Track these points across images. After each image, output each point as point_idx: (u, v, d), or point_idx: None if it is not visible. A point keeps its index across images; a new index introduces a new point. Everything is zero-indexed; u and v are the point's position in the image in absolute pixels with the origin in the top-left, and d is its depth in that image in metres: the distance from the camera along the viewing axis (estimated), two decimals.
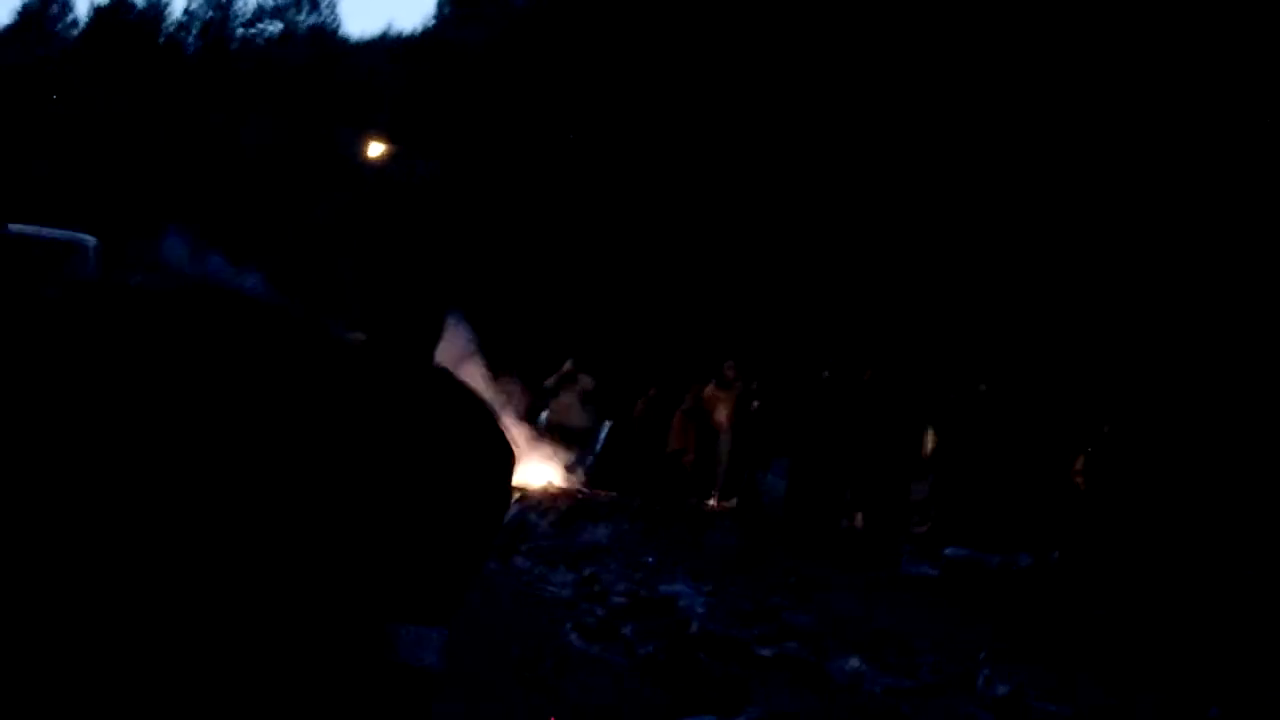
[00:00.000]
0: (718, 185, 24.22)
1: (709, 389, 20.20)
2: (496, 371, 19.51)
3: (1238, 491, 16.11)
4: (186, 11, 50.88)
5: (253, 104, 35.44)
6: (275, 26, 49.27)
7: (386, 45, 48.19)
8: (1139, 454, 16.12)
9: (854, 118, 22.95)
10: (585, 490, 18.65)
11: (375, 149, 28.85)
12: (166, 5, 51.09)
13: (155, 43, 47.90)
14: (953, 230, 21.31)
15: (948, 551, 16.14)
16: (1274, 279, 17.90)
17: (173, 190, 31.38)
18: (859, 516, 18.08)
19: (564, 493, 17.14)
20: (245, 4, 50.16)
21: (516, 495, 15.95)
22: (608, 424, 21.23)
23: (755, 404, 19.79)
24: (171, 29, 50.66)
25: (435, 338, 4.03)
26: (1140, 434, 16.50)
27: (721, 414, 20.07)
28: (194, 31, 49.99)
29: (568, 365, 20.81)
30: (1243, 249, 18.39)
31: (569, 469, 19.82)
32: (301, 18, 49.07)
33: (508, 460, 3.85)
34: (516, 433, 18.48)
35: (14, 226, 15.96)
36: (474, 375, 17.88)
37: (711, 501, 19.35)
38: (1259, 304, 17.99)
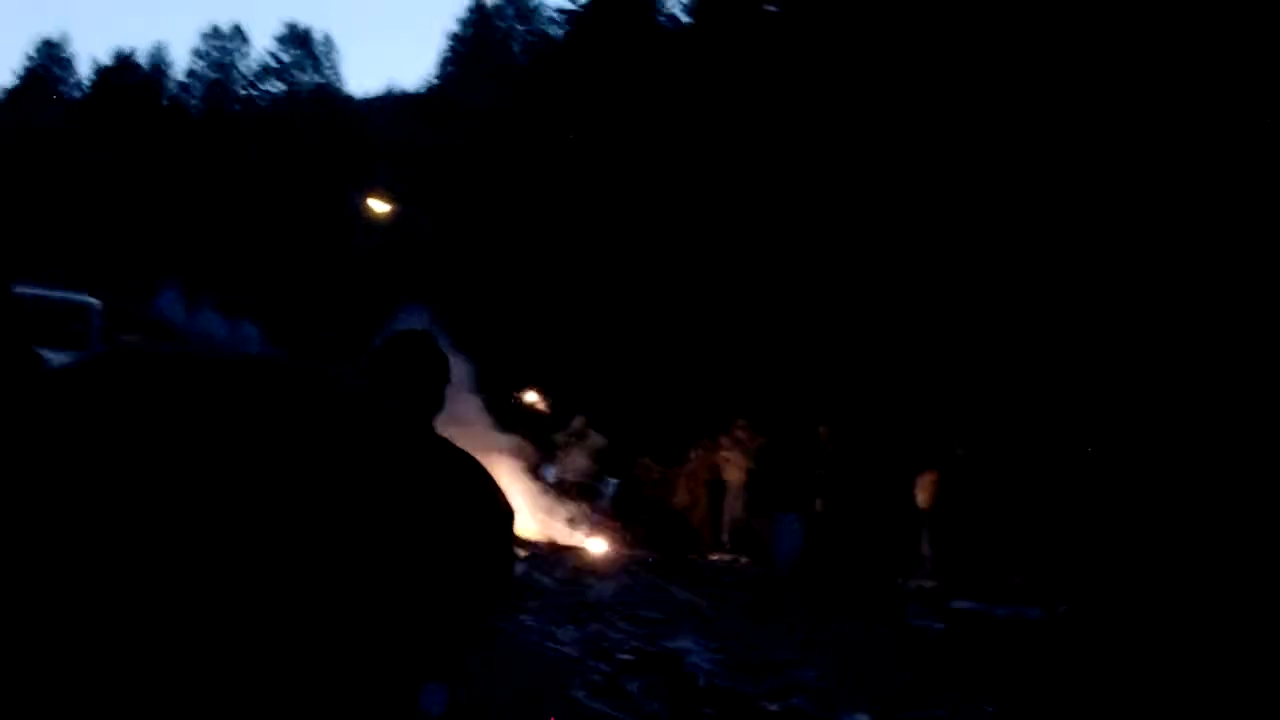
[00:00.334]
0: (725, 243, 24.28)
1: (721, 446, 20.27)
2: (505, 427, 19.54)
3: (1251, 543, 16.09)
4: (190, 72, 51.16)
5: (255, 162, 35.54)
6: (278, 86, 49.53)
7: (389, 103, 48.43)
8: (1147, 509, 16.06)
9: (851, 179, 23.03)
10: (593, 546, 18.62)
11: (378, 206, 28.88)
12: (170, 66, 51.39)
13: (159, 103, 48.11)
14: (954, 285, 21.31)
15: (954, 604, 16.08)
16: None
17: (172, 247, 31.43)
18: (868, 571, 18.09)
19: (571, 549, 17.09)
20: (248, 64, 50.46)
21: (523, 552, 15.93)
22: (615, 481, 21.22)
23: (766, 462, 19.92)
24: (175, 89, 50.94)
25: (437, 405, 4.11)
26: (1149, 488, 16.44)
27: (733, 471, 20.15)
28: (197, 93, 50.22)
29: (578, 422, 20.84)
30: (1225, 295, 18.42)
31: (576, 525, 19.80)
32: (305, 77, 49.32)
33: (505, 521, 4.04)
34: (523, 488, 18.50)
35: (19, 288, 16.01)
36: (480, 432, 17.91)
37: (718, 557, 19.33)
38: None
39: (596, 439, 20.77)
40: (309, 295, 26.53)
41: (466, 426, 18.14)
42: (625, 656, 10.81)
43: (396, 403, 4.04)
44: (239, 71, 50.76)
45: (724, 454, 20.26)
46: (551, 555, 16.31)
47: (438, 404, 4.15)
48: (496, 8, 52.76)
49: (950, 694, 11.04)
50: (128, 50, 51.19)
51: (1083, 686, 12.39)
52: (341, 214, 28.25)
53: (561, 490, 20.33)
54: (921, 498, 18.03)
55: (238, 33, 51.16)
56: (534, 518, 18.99)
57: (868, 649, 13.23)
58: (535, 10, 47.54)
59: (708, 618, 13.34)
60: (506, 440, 19.55)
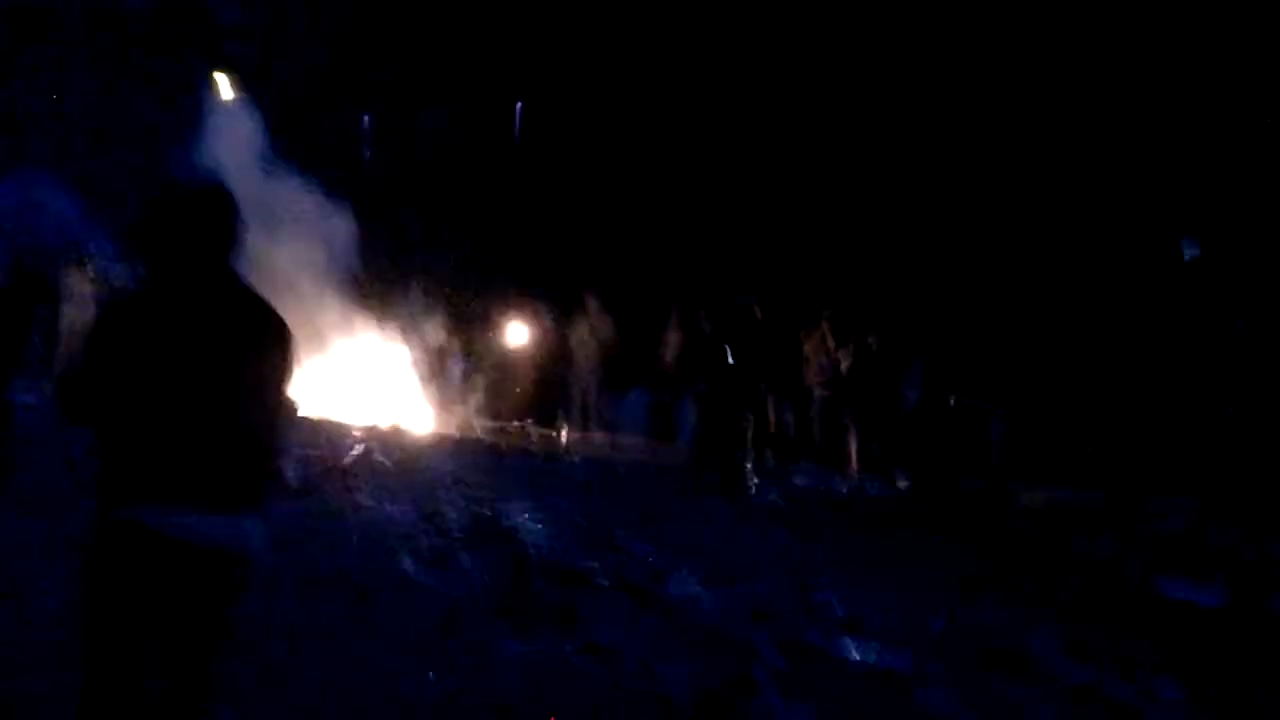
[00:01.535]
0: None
1: (580, 323, 20.29)
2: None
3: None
4: None
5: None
6: None
7: None
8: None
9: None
10: (436, 425, 18.47)
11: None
12: None
13: None
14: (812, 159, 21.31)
15: (798, 480, 16.26)
16: None
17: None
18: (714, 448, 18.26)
19: (414, 430, 16.92)
20: None
21: (360, 433, 15.80)
22: (462, 359, 21.05)
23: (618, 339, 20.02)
24: None
25: (226, 246, 4.51)
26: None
27: (585, 348, 20.15)
28: None
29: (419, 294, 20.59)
30: None
31: (425, 404, 19.61)
32: None
33: (285, 348, 4.55)
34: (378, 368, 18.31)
35: None
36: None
37: (564, 434, 19.30)
38: None
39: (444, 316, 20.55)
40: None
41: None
42: (459, 531, 10.77)
43: (183, 248, 4.43)
44: None
45: (577, 331, 20.25)
46: (393, 436, 16.14)
47: (227, 245, 4.49)
48: None
49: (784, 565, 11.16)
50: None
51: (919, 557, 12.60)
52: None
53: (419, 370, 20.09)
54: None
55: None
56: (381, 400, 18.83)
57: (707, 523, 13.30)
58: None
59: (546, 493, 13.33)
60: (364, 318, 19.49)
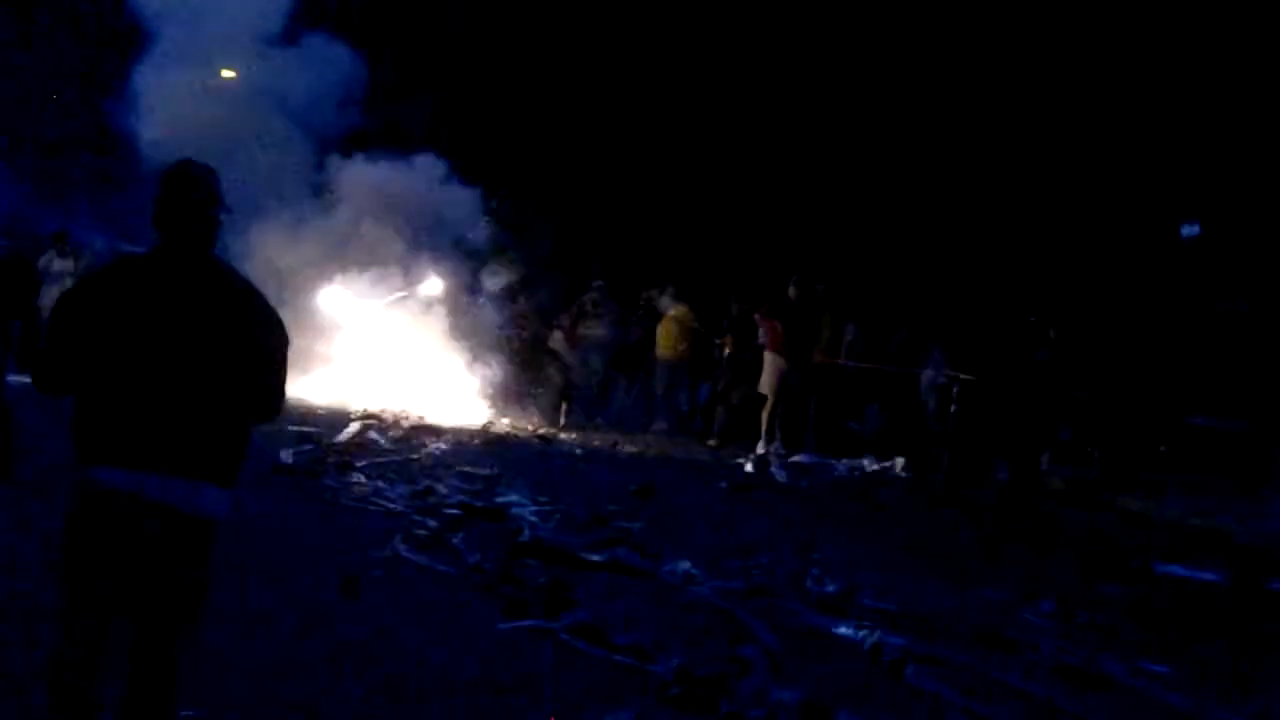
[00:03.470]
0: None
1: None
2: None
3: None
4: None
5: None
6: None
7: None
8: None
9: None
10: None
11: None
12: None
13: None
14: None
15: (795, 459, 16.26)
16: None
17: None
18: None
19: (408, 415, 16.69)
20: None
21: (359, 416, 15.74)
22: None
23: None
24: None
25: (207, 230, 4.64)
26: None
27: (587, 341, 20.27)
28: None
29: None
30: None
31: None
32: None
33: (273, 331, 4.68)
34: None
35: None
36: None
37: (564, 422, 19.21)
38: None
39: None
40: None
41: None
42: (452, 511, 10.72)
43: (173, 234, 4.57)
44: None
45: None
46: (389, 419, 16.01)
47: (202, 223, 4.60)
48: None
49: (778, 544, 11.11)
50: None
51: (915, 537, 12.56)
52: None
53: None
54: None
55: None
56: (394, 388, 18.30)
57: (701, 503, 13.28)
58: None
59: (540, 475, 13.29)
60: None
